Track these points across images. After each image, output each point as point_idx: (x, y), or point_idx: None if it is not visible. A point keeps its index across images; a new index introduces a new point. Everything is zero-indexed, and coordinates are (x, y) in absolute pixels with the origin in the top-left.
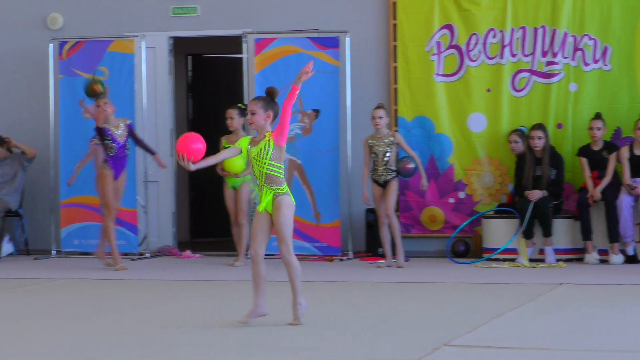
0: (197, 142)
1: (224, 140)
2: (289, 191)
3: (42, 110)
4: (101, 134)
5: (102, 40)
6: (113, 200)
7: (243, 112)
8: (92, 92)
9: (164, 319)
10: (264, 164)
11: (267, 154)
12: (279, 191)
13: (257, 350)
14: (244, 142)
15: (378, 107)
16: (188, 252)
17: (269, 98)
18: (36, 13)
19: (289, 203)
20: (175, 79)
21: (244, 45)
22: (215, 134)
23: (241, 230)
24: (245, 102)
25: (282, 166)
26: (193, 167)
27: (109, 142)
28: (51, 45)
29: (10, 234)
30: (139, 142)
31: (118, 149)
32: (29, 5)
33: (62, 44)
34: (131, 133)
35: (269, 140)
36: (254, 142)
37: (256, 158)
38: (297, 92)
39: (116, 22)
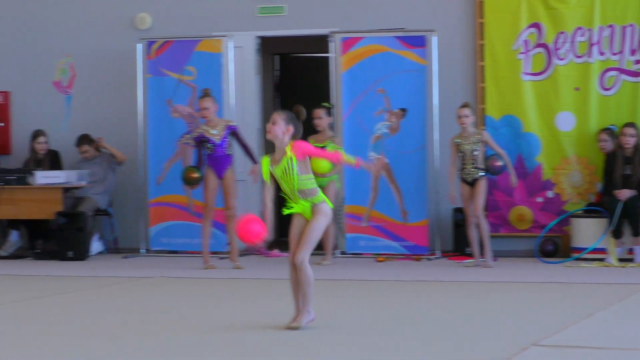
0: (254, 224)
1: (311, 140)
2: (325, 198)
3: (130, 110)
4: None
5: (189, 40)
6: (210, 200)
7: (330, 112)
8: (189, 180)
9: (241, 317)
10: (294, 180)
11: (293, 171)
12: (315, 201)
13: (333, 350)
14: (264, 165)
15: (463, 106)
16: (276, 251)
17: (294, 115)
18: (125, 13)
19: (326, 211)
20: (262, 78)
21: (331, 45)
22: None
23: (327, 230)
24: (332, 102)
25: (312, 175)
26: (267, 238)
27: (204, 142)
28: (139, 45)
29: (99, 232)
30: (243, 146)
31: (215, 149)
32: (118, 6)
33: (150, 43)
34: (234, 135)
35: (290, 157)
36: (274, 161)
37: (283, 177)
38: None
39: (204, 22)
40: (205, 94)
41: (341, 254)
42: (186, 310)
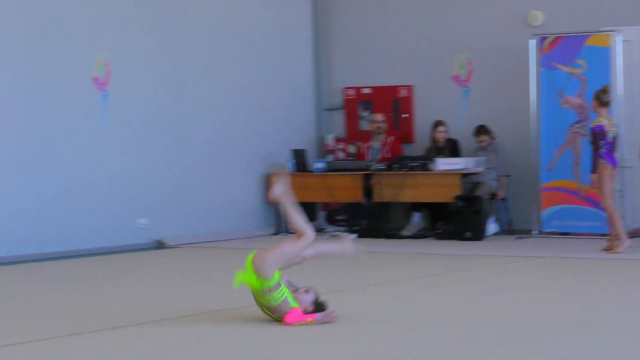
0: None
1: None
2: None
3: (522, 101)
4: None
5: (579, 35)
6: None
7: None
8: None
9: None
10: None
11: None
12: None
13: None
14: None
15: None
16: None
17: (318, 303)
18: (518, 11)
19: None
20: None
21: None
22: None
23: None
24: None
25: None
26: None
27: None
28: (531, 41)
29: (495, 215)
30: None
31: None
32: (512, 4)
33: (542, 39)
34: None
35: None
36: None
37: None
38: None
39: (593, 18)
40: (604, 91)
41: None
42: (575, 290)
